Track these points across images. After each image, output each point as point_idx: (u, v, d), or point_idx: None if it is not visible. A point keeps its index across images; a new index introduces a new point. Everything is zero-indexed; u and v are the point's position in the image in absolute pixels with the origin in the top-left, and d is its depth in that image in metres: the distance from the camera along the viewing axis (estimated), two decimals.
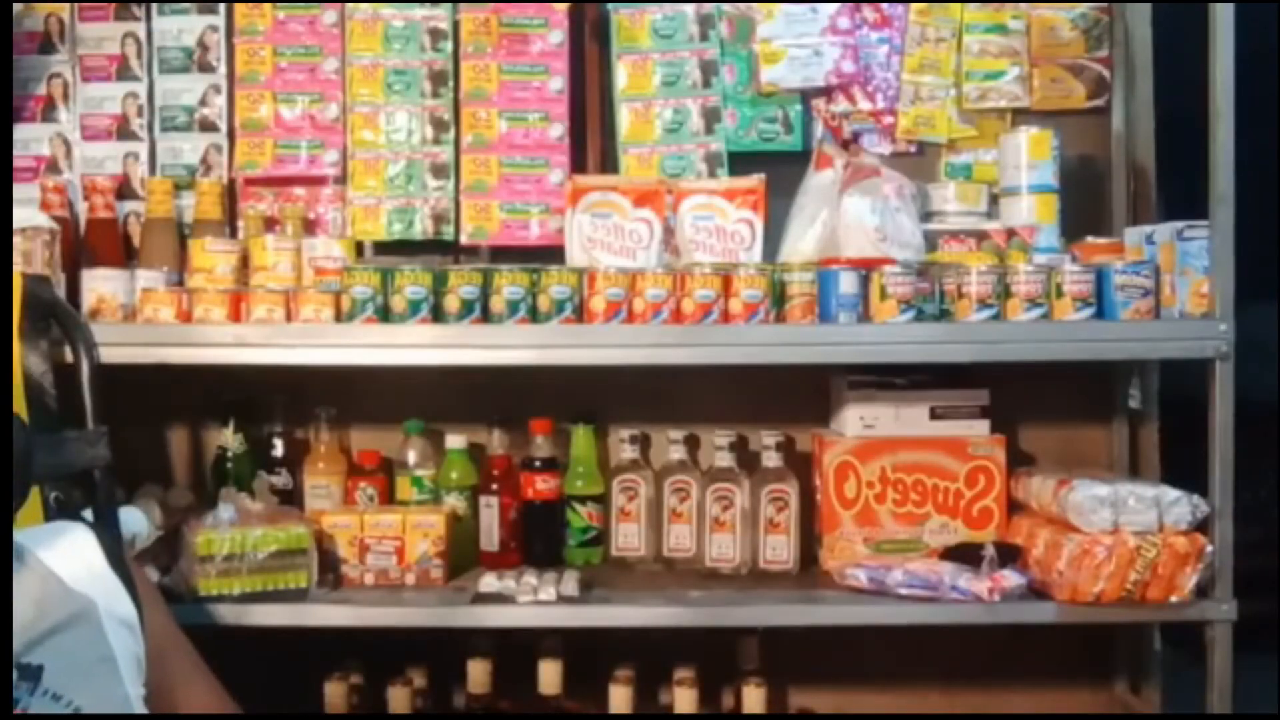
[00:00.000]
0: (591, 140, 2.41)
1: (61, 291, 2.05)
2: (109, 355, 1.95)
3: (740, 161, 2.38)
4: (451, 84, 2.36)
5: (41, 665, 1.25)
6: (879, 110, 2.44)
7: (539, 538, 2.24)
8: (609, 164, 2.40)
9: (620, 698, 2.13)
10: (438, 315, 2.02)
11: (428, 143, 2.36)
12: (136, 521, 2.02)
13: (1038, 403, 2.36)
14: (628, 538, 2.27)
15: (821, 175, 2.28)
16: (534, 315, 2.04)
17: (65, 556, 1.35)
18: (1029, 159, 2.26)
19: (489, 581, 2.05)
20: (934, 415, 2.19)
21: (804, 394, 2.32)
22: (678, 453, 2.26)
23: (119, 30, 2.39)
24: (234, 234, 2.34)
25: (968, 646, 2.24)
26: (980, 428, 2.20)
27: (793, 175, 2.31)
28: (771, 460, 2.23)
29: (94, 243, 2.25)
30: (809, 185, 2.29)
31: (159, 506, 2.13)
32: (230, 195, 2.38)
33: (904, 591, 2.02)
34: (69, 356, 1.93)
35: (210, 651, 1.52)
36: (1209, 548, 1.96)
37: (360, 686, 2.21)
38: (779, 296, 2.06)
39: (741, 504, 2.21)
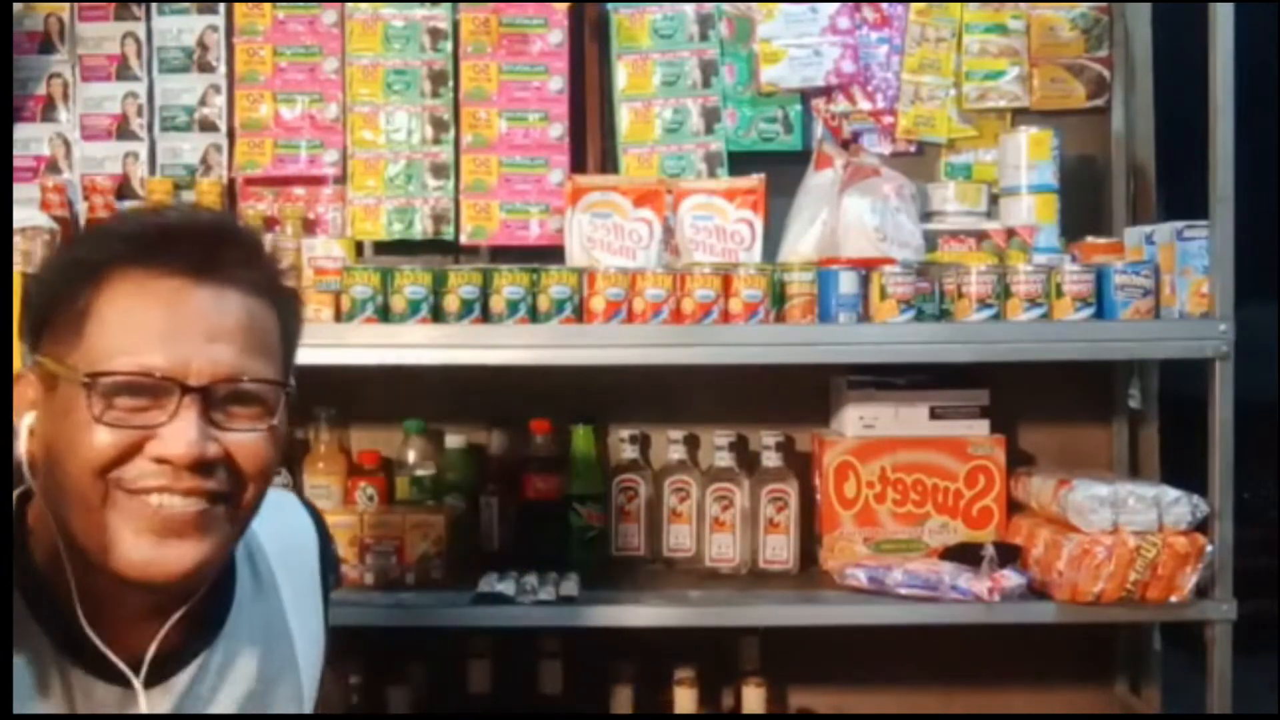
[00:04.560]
0: (591, 140, 2.41)
1: None
2: None
3: (740, 161, 2.38)
4: (451, 84, 2.36)
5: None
6: (879, 110, 2.44)
7: (539, 538, 2.23)
8: (609, 164, 2.40)
9: (620, 698, 2.13)
10: (437, 315, 2.02)
11: (427, 143, 2.36)
12: None
13: (1038, 403, 2.36)
14: (628, 538, 2.27)
15: (821, 175, 2.28)
16: (534, 315, 2.04)
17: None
18: (1029, 159, 2.26)
19: (489, 581, 2.05)
20: (934, 415, 2.19)
21: (804, 394, 2.33)
22: (678, 453, 2.26)
23: (119, 30, 2.39)
24: None
25: (968, 646, 2.24)
26: (980, 428, 2.20)
27: (793, 175, 2.32)
28: (771, 460, 2.23)
29: None
30: (809, 185, 2.29)
31: None
32: (230, 195, 2.38)
33: (904, 591, 2.02)
34: None
35: None
36: (1209, 548, 1.96)
37: (360, 686, 2.21)
38: (779, 296, 2.06)
39: (741, 504, 2.21)
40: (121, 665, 1.06)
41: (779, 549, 2.21)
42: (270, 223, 2.36)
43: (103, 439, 1.00)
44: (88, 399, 1.00)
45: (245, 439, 1.06)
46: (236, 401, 1.06)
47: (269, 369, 1.08)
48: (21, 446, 1.06)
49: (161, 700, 1.09)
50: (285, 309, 1.12)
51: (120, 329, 1.02)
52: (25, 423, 1.06)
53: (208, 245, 1.06)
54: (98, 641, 1.05)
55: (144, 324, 1.03)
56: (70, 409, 1.02)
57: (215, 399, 1.04)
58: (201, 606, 1.11)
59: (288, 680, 1.22)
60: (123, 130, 2.39)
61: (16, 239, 2.00)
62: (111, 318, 1.03)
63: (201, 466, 1.03)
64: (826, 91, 2.43)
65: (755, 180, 2.26)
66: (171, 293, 1.03)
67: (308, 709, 1.25)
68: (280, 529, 1.27)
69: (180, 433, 1.01)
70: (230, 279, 1.06)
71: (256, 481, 1.08)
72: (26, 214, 2.08)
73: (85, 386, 1.00)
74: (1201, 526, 1.98)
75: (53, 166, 2.38)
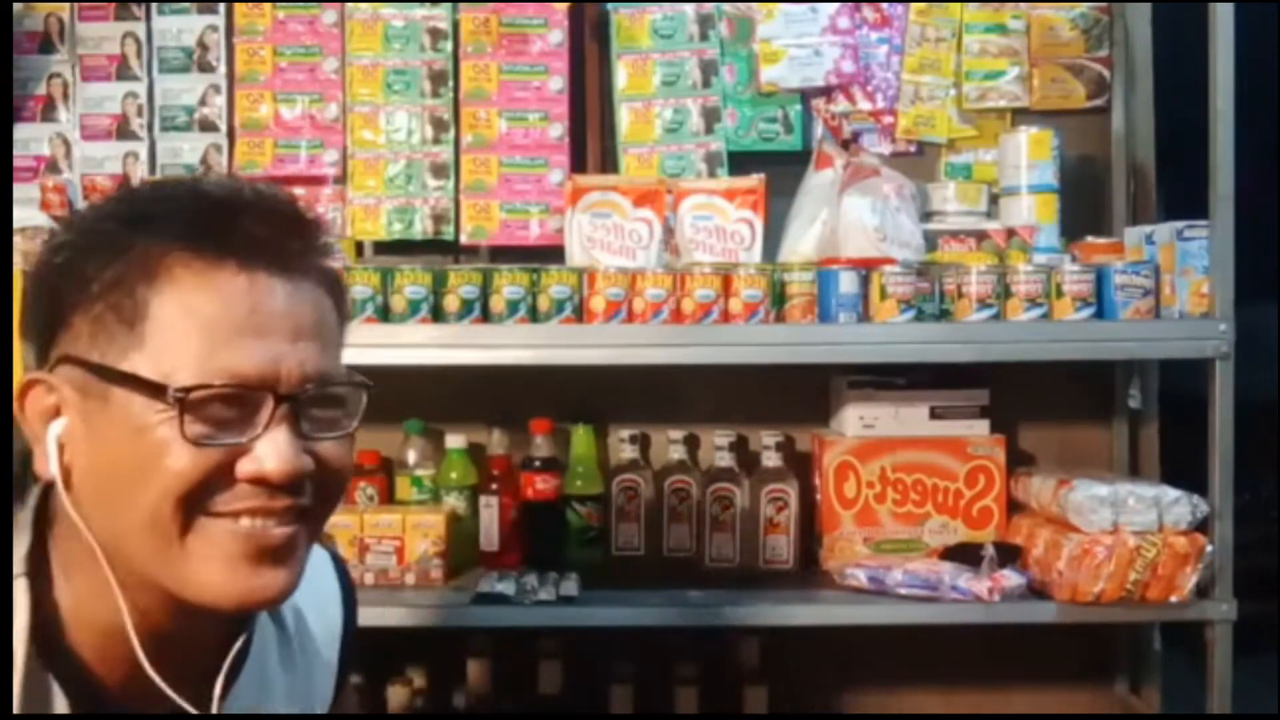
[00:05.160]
0: (591, 140, 2.41)
1: None
2: None
3: (740, 161, 2.38)
4: (451, 84, 2.36)
5: None
6: (879, 110, 2.44)
7: (539, 538, 2.23)
8: (609, 164, 2.40)
9: (620, 698, 2.13)
10: (438, 315, 2.02)
11: (427, 143, 2.36)
12: None
13: (1038, 403, 2.36)
14: (628, 538, 2.26)
15: (821, 175, 2.28)
16: (534, 315, 2.04)
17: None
18: (1029, 159, 2.26)
19: (489, 581, 2.05)
20: (934, 415, 2.19)
21: (804, 394, 2.32)
22: (678, 453, 2.26)
23: (119, 30, 2.39)
24: None
25: (968, 646, 2.24)
26: (980, 428, 2.20)
27: (793, 175, 2.32)
28: (771, 460, 2.23)
29: None
30: (809, 185, 2.29)
31: None
32: None
33: (904, 591, 2.02)
34: None
35: None
36: (1209, 548, 1.96)
37: (360, 686, 2.21)
38: (779, 296, 2.06)
39: (741, 504, 2.21)
40: (187, 707, 0.95)
41: (779, 549, 2.21)
42: None
43: (189, 462, 0.88)
44: (176, 417, 0.87)
45: (332, 448, 0.96)
46: (322, 406, 0.96)
47: (341, 367, 0.99)
48: (53, 464, 0.92)
49: None
50: (340, 299, 1.02)
51: (197, 331, 0.89)
52: (53, 434, 0.92)
53: (279, 230, 0.94)
54: (163, 687, 0.94)
55: (227, 325, 0.90)
56: (136, 426, 0.89)
57: (304, 406, 0.93)
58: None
59: None
60: (123, 130, 2.39)
61: (16, 239, 2.01)
62: (179, 319, 0.89)
63: (295, 483, 0.92)
64: (826, 91, 2.43)
65: (755, 180, 2.26)
66: (251, 287, 0.91)
67: None
68: (306, 587, 1.12)
69: (276, 448, 0.91)
70: (302, 269, 0.95)
71: (339, 493, 0.99)
72: (26, 214, 2.08)
73: (175, 402, 0.87)
74: (1201, 526, 1.98)
75: (53, 166, 2.38)
